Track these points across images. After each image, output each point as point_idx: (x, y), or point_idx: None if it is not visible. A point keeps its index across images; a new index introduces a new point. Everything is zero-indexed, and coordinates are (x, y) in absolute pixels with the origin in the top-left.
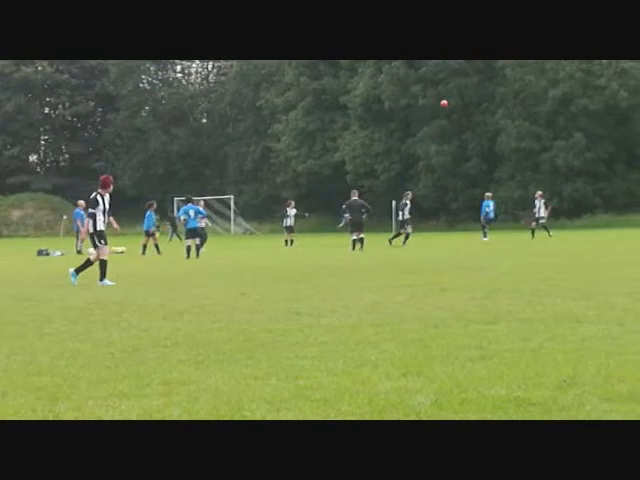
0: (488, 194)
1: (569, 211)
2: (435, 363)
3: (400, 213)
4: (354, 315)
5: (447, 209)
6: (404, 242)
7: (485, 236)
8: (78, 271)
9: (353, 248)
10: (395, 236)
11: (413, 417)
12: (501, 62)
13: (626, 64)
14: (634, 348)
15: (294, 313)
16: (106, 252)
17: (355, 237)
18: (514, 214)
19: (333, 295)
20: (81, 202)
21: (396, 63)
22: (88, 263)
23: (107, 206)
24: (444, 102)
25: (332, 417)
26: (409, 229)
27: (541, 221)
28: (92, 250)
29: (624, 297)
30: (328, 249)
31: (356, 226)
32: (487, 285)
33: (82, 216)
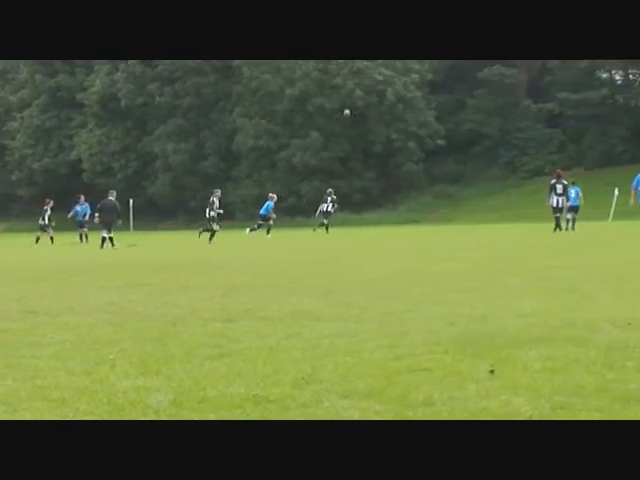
0: (271, 195)
1: (306, 209)
2: (174, 362)
3: (207, 210)
4: (92, 314)
5: (185, 208)
6: (209, 240)
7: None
8: None
9: (102, 246)
10: (203, 231)
11: (152, 416)
12: (238, 61)
13: (361, 64)
14: (370, 345)
15: (30, 312)
16: None
17: (105, 235)
18: (252, 213)
19: (71, 293)
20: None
21: (132, 61)
22: None
23: None
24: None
25: (70, 417)
26: (215, 227)
27: (324, 218)
28: None
29: (361, 295)
30: (67, 247)
31: (105, 225)
32: (226, 283)
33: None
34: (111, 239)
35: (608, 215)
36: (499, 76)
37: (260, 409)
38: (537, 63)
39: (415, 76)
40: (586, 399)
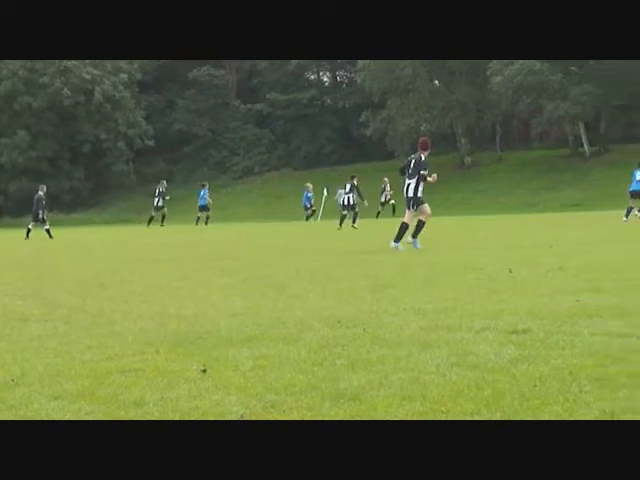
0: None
1: (14, 209)
2: None
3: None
4: None
5: None
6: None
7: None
8: (414, 235)
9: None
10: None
11: None
12: None
13: (69, 62)
14: (81, 346)
15: None
16: (428, 212)
17: (31, 227)
18: None
19: None
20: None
21: None
22: (421, 225)
23: None
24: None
25: None
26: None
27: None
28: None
29: (70, 295)
30: None
31: (32, 217)
32: None
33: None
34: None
35: (317, 215)
36: (209, 77)
37: None
38: (246, 64)
39: (124, 76)
40: (297, 397)
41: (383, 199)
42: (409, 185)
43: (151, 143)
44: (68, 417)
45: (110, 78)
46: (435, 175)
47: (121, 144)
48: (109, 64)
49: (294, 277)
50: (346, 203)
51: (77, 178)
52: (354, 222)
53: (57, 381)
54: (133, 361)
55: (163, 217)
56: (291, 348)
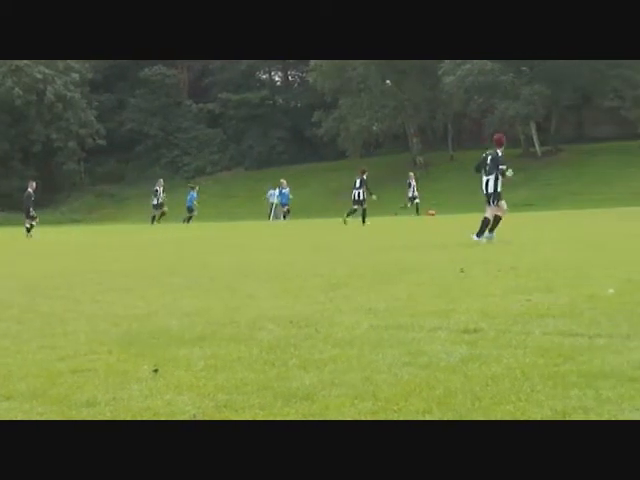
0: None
1: None
2: None
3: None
4: None
5: None
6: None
7: None
8: (491, 230)
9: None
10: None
11: None
12: None
13: (21, 62)
14: (33, 346)
15: None
16: (505, 209)
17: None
18: None
19: None
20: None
21: None
22: (498, 220)
23: None
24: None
25: None
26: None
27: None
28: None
29: (22, 295)
30: None
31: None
32: None
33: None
34: (29, 228)
35: (269, 216)
36: (160, 76)
37: None
38: (198, 63)
39: (75, 75)
40: (249, 397)
41: (410, 194)
42: (488, 181)
43: (102, 142)
44: (20, 417)
45: (62, 77)
46: (511, 170)
47: (72, 143)
48: (60, 63)
49: (246, 276)
50: (357, 198)
51: (28, 177)
52: (364, 221)
53: (9, 381)
54: (85, 361)
55: (154, 218)
56: (243, 348)
